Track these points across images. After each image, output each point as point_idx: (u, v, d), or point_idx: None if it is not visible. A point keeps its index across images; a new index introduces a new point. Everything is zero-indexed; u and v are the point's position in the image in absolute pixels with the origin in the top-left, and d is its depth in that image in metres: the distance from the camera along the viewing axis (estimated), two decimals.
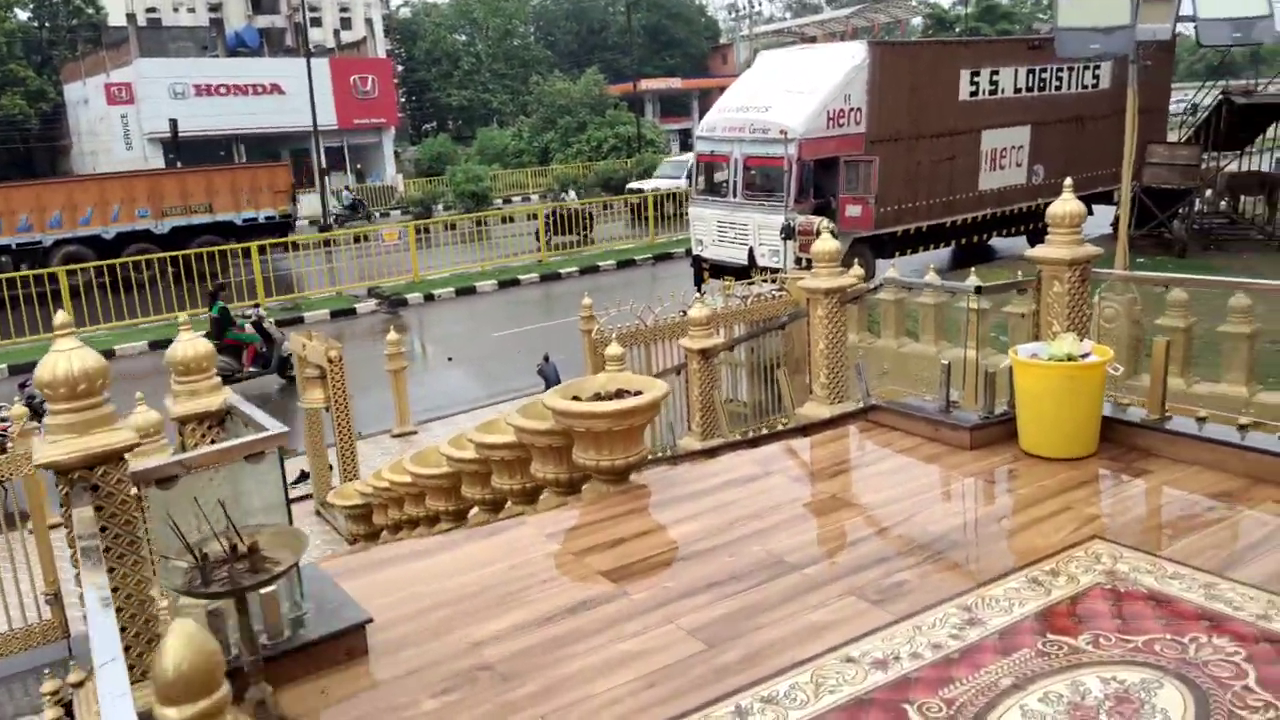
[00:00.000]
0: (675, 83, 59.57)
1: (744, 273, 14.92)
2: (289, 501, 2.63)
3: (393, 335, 9.99)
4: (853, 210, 14.67)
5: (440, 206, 33.97)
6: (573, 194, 27.09)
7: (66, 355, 2.20)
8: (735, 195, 15.49)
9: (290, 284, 19.03)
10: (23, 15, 47.36)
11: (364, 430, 10.46)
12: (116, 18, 45.66)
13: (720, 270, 15.58)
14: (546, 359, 7.53)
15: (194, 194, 21.91)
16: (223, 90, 39.33)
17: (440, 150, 47.82)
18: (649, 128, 48.41)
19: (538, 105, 49.32)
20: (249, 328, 12.29)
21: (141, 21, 50.17)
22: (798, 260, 13.54)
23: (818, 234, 6.23)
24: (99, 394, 2.26)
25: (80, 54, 44.15)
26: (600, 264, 20.82)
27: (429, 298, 18.32)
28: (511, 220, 27.75)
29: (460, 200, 32.88)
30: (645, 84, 54.54)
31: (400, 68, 62.94)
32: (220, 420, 3.17)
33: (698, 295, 11.44)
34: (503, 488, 4.45)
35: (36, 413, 9.76)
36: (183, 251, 18.49)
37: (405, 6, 71.15)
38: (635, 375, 3.99)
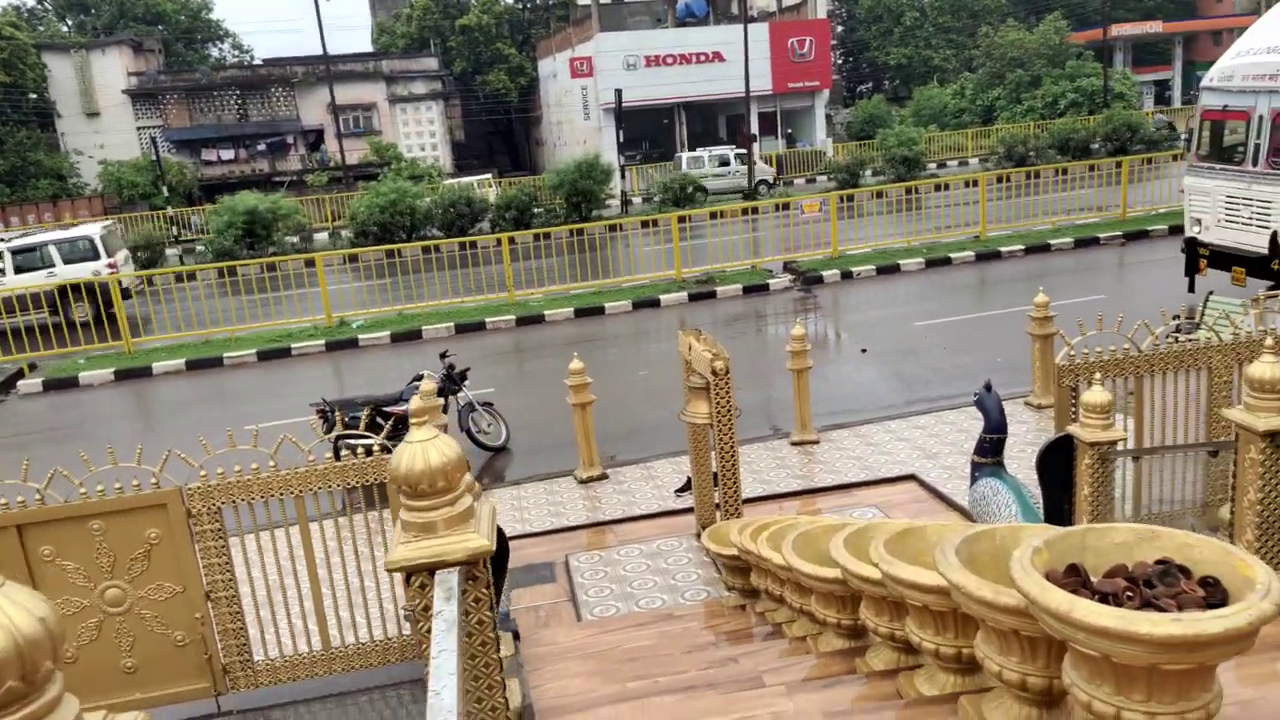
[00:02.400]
0: (1154, 26, 50.82)
1: (1262, 264, 11.37)
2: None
3: (798, 330, 8.64)
4: None
5: (869, 173, 32.02)
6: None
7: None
8: (1257, 164, 11.79)
9: (706, 254, 18.57)
10: None
11: (761, 432, 9.32)
12: None
13: (1223, 259, 12.08)
14: (989, 388, 5.63)
15: None
16: (669, 60, 40.69)
17: (874, 112, 45.55)
18: (1119, 79, 41.71)
19: (985, 59, 44.87)
20: None
21: None
22: None
23: None
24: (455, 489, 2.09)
25: (553, 31, 48.53)
26: (1052, 242, 17.67)
27: (847, 275, 16.75)
28: (946, 188, 25.06)
29: (891, 166, 30.63)
30: (1117, 29, 47.15)
31: (839, 28, 61.27)
32: None
33: (1203, 302, 8.59)
34: (923, 643, 2.84)
35: (453, 381, 10.00)
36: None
37: None
38: (1201, 540, 2.10)
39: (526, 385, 12.51)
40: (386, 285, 17.44)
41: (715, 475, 6.83)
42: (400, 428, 9.78)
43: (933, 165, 35.51)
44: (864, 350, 12.08)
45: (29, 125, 40.72)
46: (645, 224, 22.35)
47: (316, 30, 36.74)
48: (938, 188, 25.17)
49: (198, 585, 5.24)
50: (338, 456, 9.13)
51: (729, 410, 6.05)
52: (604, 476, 8.44)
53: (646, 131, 42.83)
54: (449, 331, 15.37)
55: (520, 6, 53.72)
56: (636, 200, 33.96)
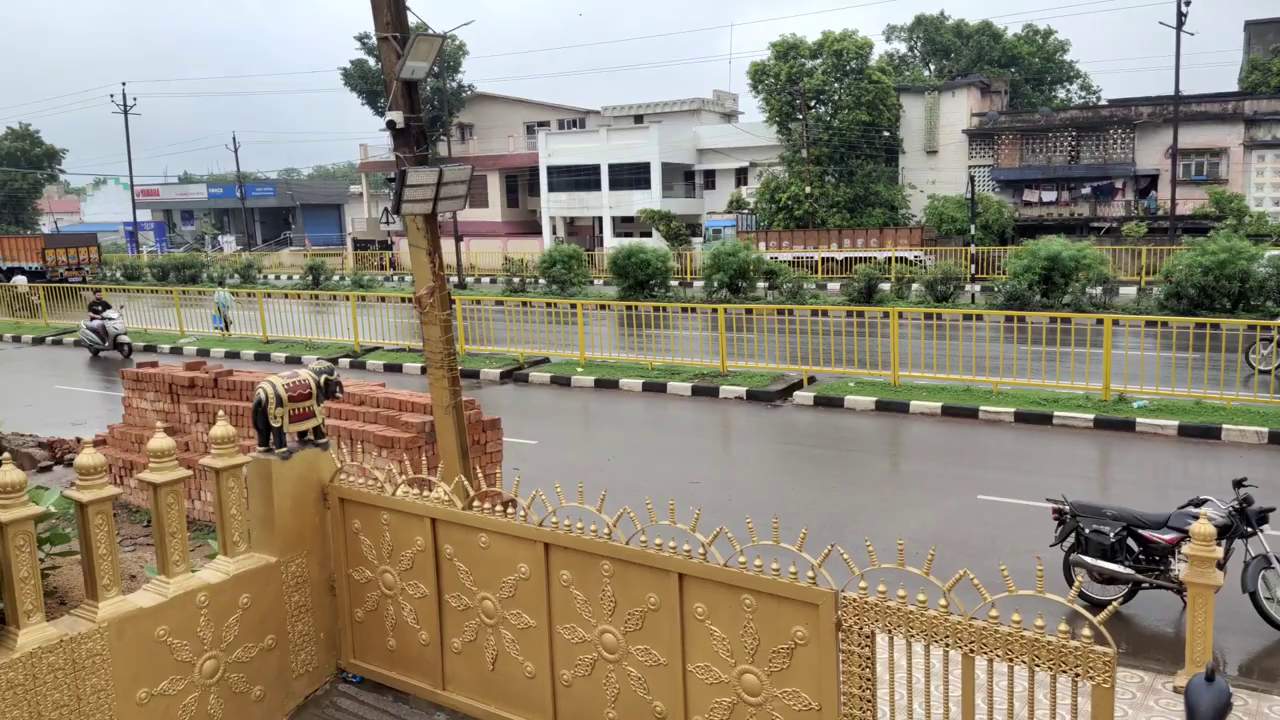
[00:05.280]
0: None
1: None
2: None
3: None
4: None
5: None
6: None
7: None
8: None
9: None
10: None
11: None
12: None
13: None
14: None
15: None
16: None
17: None
18: None
19: None
20: None
21: None
22: None
23: None
24: None
25: None
26: None
27: None
28: None
29: None
30: None
31: None
32: None
33: None
34: None
35: (1245, 519, 7.39)
36: None
37: None
38: None
39: None
40: (1188, 360, 14.53)
41: None
42: (1159, 563, 7.53)
43: None
44: None
45: (876, 160, 45.67)
46: None
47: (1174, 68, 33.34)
48: None
49: (834, 713, 4.38)
50: (1068, 578, 7.49)
51: None
52: None
53: None
54: (1258, 438, 11.99)
55: None
56: None
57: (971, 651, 4.00)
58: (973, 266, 30.64)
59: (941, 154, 46.07)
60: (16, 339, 27.64)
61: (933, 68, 60.65)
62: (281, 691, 5.69)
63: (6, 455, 4.81)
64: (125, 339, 23.07)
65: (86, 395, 18.02)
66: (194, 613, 5.23)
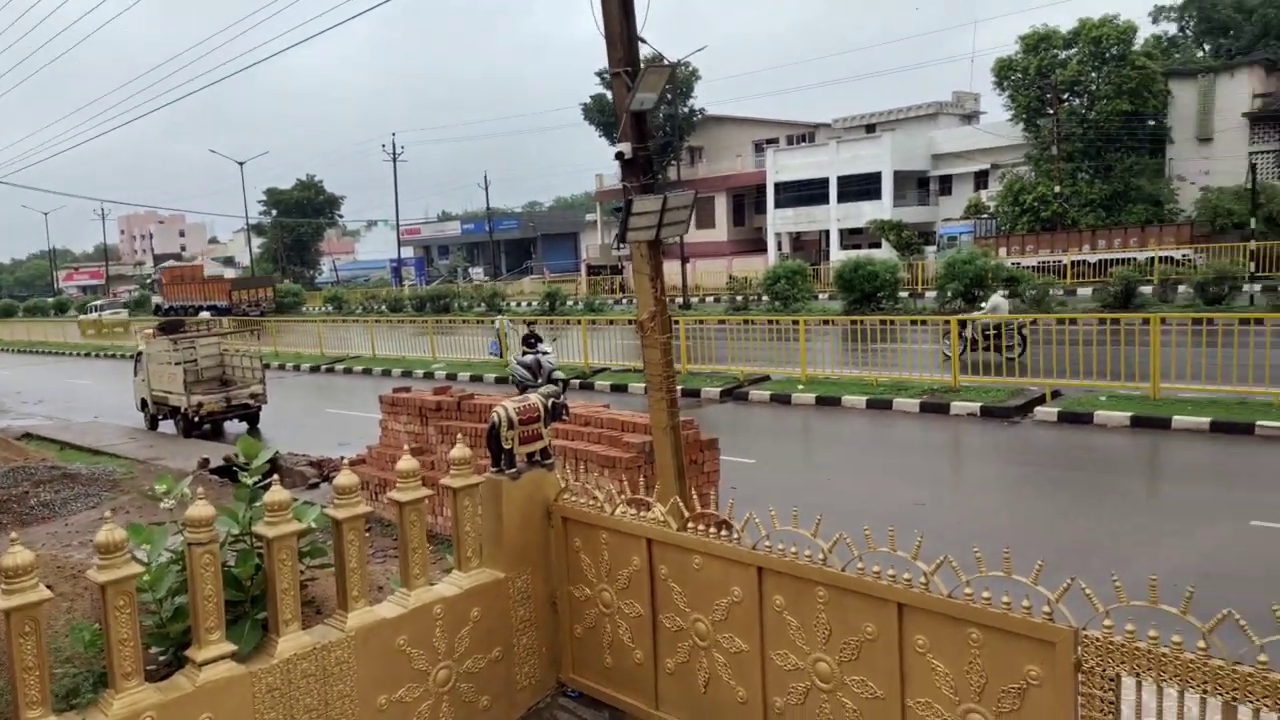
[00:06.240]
0: None
1: None
2: None
3: None
4: None
5: None
6: None
7: None
8: None
9: None
10: None
11: None
12: None
13: None
14: None
15: None
16: None
17: None
18: None
19: None
20: None
21: None
22: None
23: None
24: None
25: None
26: None
27: None
28: None
29: None
30: None
31: None
32: None
33: None
34: None
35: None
36: None
37: None
38: None
39: None
40: None
41: None
42: None
43: None
44: None
45: (1138, 152, 41.72)
46: None
47: None
48: None
49: None
50: None
51: None
52: None
53: None
54: None
55: None
56: None
57: (1234, 700, 3.51)
58: (1253, 264, 27.26)
59: (1217, 141, 41.46)
60: (296, 368, 31.12)
61: (1207, 48, 54.71)
62: (507, 702, 5.95)
63: (275, 476, 5.37)
64: (559, 374, 21.56)
65: (353, 418, 19.94)
66: (430, 624, 5.58)
